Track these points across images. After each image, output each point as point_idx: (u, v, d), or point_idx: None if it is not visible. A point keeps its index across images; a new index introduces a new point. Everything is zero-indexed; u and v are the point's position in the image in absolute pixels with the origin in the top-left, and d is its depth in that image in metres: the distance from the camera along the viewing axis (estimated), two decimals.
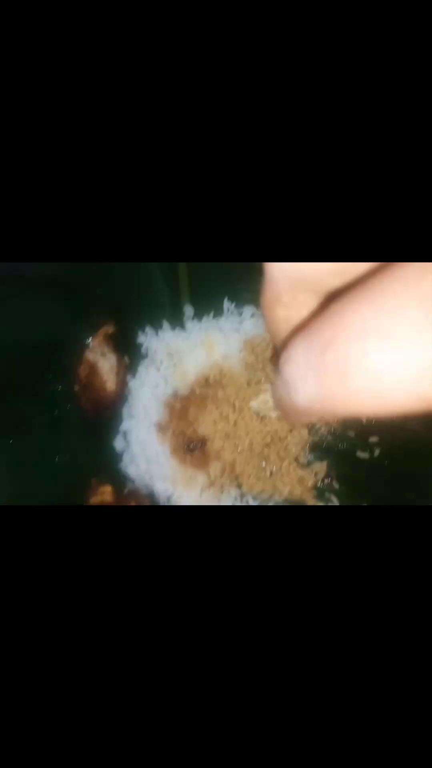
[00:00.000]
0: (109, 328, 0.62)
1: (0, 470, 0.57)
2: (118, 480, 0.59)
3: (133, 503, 0.60)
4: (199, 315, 0.60)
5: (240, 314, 0.59)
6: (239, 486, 0.55)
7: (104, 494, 0.59)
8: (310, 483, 0.53)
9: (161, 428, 0.57)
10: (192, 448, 0.55)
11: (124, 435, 0.59)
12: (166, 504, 0.57)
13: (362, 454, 0.53)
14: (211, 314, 0.59)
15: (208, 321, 0.59)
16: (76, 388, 0.61)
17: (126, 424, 0.59)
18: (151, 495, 0.57)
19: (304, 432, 0.53)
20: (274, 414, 0.53)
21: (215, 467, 0.55)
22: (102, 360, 0.61)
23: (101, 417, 0.60)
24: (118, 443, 0.59)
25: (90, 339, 0.61)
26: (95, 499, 0.59)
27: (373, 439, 0.53)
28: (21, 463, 0.58)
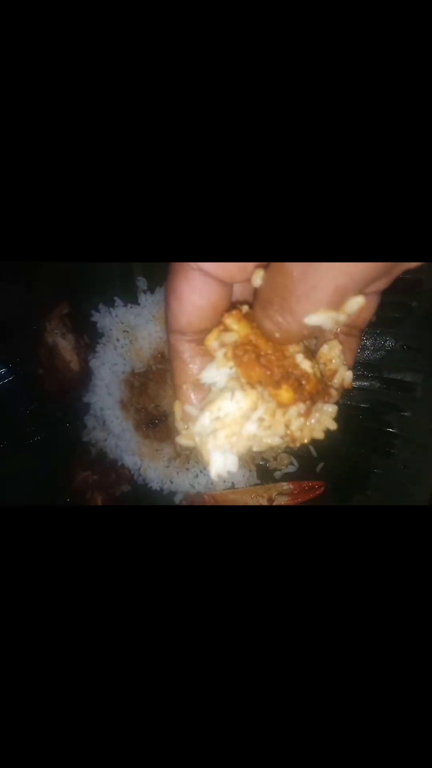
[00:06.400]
0: (64, 308, 0.61)
1: None
2: (94, 458, 0.61)
3: (113, 476, 0.62)
4: (152, 287, 0.58)
5: None
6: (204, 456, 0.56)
7: (85, 477, 0.61)
8: None
9: (124, 405, 0.57)
10: (154, 423, 0.56)
11: (93, 414, 0.60)
12: (137, 475, 0.59)
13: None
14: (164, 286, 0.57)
15: (160, 293, 0.57)
16: (40, 371, 0.61)
17: (92, 403, 0.59)
18: (124, 468, 0.59)
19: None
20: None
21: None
22: (62, 341, 0.61)
23: (67, 398, 0.61)
24: (89, 422, 0.61)
25: (47, 321, 0.60)
26: (78, 481, 0.61)
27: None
28: None
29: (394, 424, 0.49)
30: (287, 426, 0.25)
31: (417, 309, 0.47)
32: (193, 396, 0.27)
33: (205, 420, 0.25)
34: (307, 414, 0.25)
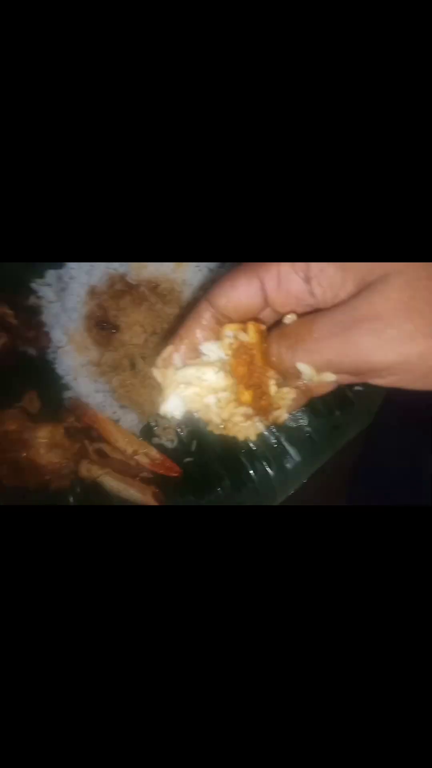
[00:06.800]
0: None
1: None
2: (27, 307, 0.61)
3: (32, 333, 0.62)
4: None
5: None
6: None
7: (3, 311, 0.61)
8: None
9: (92, 292, 0.59)
10: (104, 326, 0.58)
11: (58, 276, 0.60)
12: (54, 351, 0.60)
13: None
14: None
15: None
16: None
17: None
18: (45, 335, 0.60)
19: None
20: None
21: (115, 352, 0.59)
22: None
23: None
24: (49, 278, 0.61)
25: None
26: None
27: None
28: None
29: (256, 466, 0.60)
30: (230, 417, 0.32)
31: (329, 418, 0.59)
32: (183, 350, 0.33)
33: (190, 372, 0.31)
34: (246, 419, 0.32)
